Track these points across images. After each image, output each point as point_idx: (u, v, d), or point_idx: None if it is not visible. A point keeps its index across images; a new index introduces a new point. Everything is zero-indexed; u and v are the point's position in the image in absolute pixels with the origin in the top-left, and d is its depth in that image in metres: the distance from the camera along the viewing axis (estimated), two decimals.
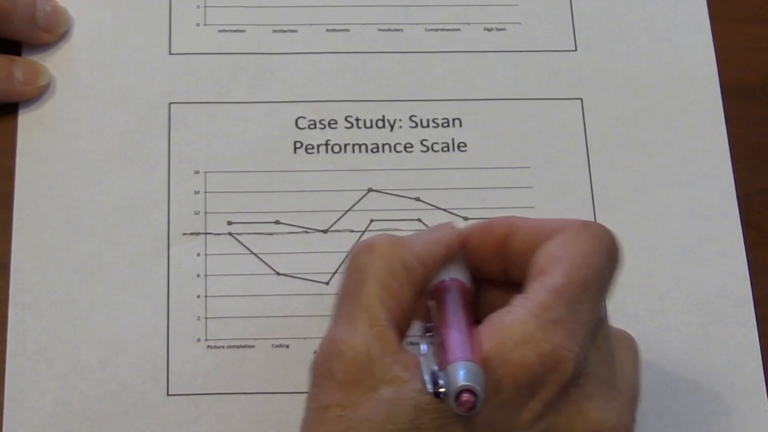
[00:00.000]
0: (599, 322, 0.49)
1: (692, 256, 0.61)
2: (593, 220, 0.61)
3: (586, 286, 0.48)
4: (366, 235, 0.60)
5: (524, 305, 0.47)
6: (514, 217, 0.52)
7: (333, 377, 0.47)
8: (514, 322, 0.46)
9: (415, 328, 0.51)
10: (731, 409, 0.58)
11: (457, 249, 0.52)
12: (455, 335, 0.46)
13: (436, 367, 0.45)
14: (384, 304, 0.48)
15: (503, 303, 0.48)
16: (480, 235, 0.52)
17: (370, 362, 0.46)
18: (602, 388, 0.48)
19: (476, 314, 0.51)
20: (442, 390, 0.44)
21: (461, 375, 0.44)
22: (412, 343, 0.48)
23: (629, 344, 0.51)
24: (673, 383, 0.58)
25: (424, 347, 0.47)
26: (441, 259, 0.51)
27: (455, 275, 0.51)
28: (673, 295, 0.60)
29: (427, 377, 0.45)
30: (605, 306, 0.50)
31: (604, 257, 0.49)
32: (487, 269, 0.52)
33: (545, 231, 0.50)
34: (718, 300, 0.60)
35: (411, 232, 0.60)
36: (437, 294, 0.50)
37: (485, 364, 0.45)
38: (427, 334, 0.48)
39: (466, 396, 0.44)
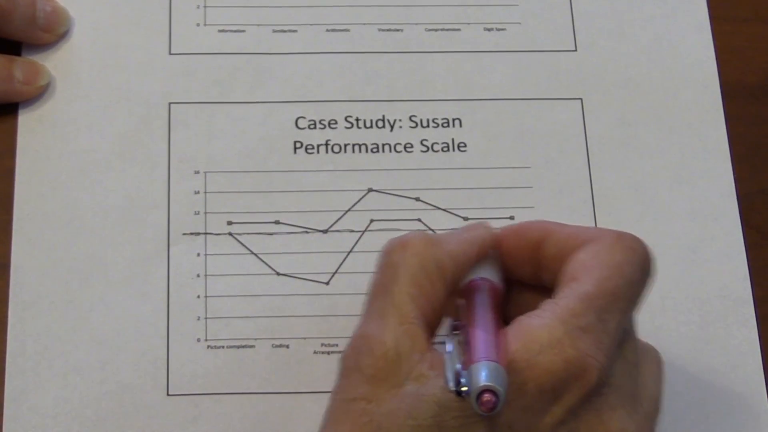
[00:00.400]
0: (627, 333, 0.49)
1: (692, 256, 0.61)
2: (594, 220, 0.61)
3: (617, 296, 0.48)
4: (366, 235, 0.60)
5: (553, 310, 0.47)
6: (549, 222, 0.52)
7: (361, 371, 0.47)
8: (542, 326, 0.46)
9: (444, 326, 0.51)
10: (731, 409, 0.58)
11: (490, 249, 0.52)
12: (481, 335, 0.46)
13: (459, 366, 0.45)
14: (415, 301, 0.48)
15: (534, 306, 0.48)
16: (514, 238, 0.52)
17: (398, 359, 0.47)
18: (625, 399, 0.48)
19: (506, 315, 0.51)
20: (464, 389, 0.44)
21: (483, 375, 0.44)
22: (440, 342, 0.49)
23: (655, 358, 0.51)
24: (673, 383, 0.58)
25: (449, 345, 0.47)
26: (474, 258, 0.51)
27: (486, 275, 0.51)
28: (673, 295, 0.60)
29: (450, 375, 0.45)
30: (634, 318, 0.50)
31: (636, 269, 0.49)
32: (520, 272, 0.52)
33: (579, 239, 0.50)
34: (718, 300, 0.60)
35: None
36: (467, 293, 0.50)
37: (510, 366, 0.45)
38: (454, 332, 0.48)
39: (487, 396, 0.44)
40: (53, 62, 0.63)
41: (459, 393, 0.44)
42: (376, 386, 0.47)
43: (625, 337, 0.49)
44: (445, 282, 0.50)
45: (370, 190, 0.61)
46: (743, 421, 0.58)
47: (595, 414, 0.47)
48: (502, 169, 0.62)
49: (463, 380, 0.44)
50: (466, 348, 0.46)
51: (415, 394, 0.46)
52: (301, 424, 0.57)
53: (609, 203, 0.62)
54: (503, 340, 0.46)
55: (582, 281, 0.48)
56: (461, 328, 0.48)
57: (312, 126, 0.63)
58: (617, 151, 0.63)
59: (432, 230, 0.60)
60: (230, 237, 0.60)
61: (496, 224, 0.60)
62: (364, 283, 0.59)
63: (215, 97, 0.63)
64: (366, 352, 0.47)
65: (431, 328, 0.49)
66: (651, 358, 0.51)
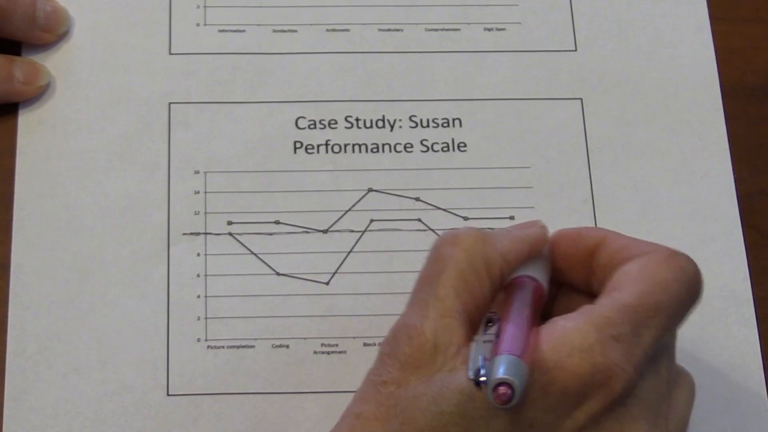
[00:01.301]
0: (665, 349, 0.49)
1: (692, 256, 0.60)
2: (594, 220, 0.61)
3: (657, 311, 0.48)
4: (366, 235, 0.60)
5: (589, 315, 0.47)
6: (607, 230, 0.52)
7: (397, 357, 0.48)
8: (575, 329, 0.47)
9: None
10: (731, 409, 0.58)
11: (541, 248, 0.52)
12: (510, 329, 0.47)
13: (482, 357, 0.45)
14: (459, 296, 0.49)
15: None
16: (570, 242, 0.52)
17: (435, 351, 0.47)
18: (649, 414, 0.48)
19: (551, 316, 0.51)
20: (482, 379, 0.45)
21: (502, 368, 0.44)
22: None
23: (689, 383, 0.51)
24: None
25: (481, 336, 0.47)
26: (524, 256, 0.52)
27: (533, 273, 0.51)
28: None
29: (471, 365, 0.45)
30: (675, 336, 0.50)
31: (683, 289, 0.49)
32: (571, 276, 0.53)
33: (632, 250, 0.50)
34: (718, 300, 0.60)
35: (411, 233, 0.60)
36: (510, 288, 0.51)
37: (537, 365, 0.46)
38: (489, 324, 0.48)
39: (502, 389, 0.44)
40: (53, 62, 0.63)
41: (478, 383, 0.45)
42: (408, 373, 0.47)
43: (662, 352, 0.49)
44: (492, 279, 0.50)
45: (370, 190, 0.61)
46: (743, 421, 0.58)
47: (617, 423, 0.47)
48: (502, 169, 0.62)
49: (482, 371, 0.45)
50: (495, 341, 0.46)
51: (442, 382, 0.46)
52: (301, 424, 0.57)
53: (609, 203, 0.62)
54: (534, 338, 0.46)
55: (623, 291, 0.48)
56: (496, 321, 0.48)
57: (312, 126, 0.63)
58: (617, 151, 0.63)
59: (432, 230, 0.60)
60: (230, 237, 0.60)
61: (496, 224, 0.60)
62: (364, 283, 0.59)
63: (215, 97, 0.63)
64: (405, 341, 0.48)
65: (473, 324, 0.49)
66: (684, 382, 0.51)
